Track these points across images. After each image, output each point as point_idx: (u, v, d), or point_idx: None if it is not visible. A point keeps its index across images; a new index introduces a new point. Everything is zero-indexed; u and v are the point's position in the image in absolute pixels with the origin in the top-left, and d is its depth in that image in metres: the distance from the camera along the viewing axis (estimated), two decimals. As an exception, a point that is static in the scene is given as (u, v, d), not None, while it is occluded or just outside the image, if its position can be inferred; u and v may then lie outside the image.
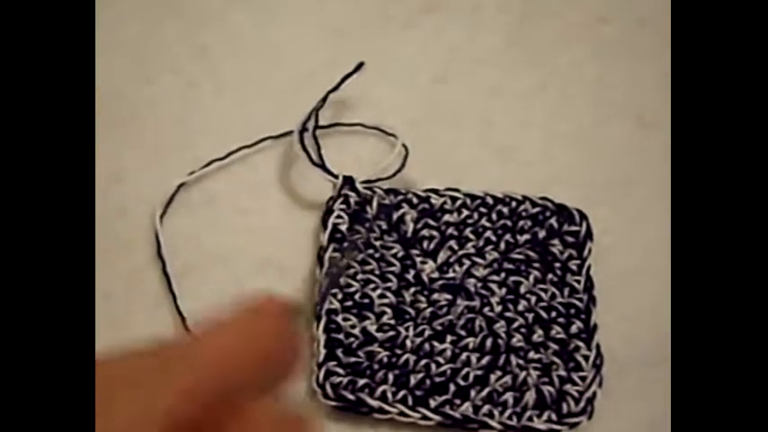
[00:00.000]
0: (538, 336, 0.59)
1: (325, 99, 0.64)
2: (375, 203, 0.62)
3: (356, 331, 0.59)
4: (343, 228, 0.61)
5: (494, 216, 0.63)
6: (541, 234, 0.62)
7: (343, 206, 0.62)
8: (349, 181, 0.63)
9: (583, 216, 0.63)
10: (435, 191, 0.64)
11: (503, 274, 0.61)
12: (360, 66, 0.65)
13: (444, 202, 0.63)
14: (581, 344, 0.59)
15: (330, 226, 0.61)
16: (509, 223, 0.63)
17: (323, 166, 0.63)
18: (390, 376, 0.58)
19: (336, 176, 0.63)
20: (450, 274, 0.61)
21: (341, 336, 0.58)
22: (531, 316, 0.60)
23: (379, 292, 0.60)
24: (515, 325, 0.59)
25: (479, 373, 0.58)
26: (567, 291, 0.61)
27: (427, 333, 0.59)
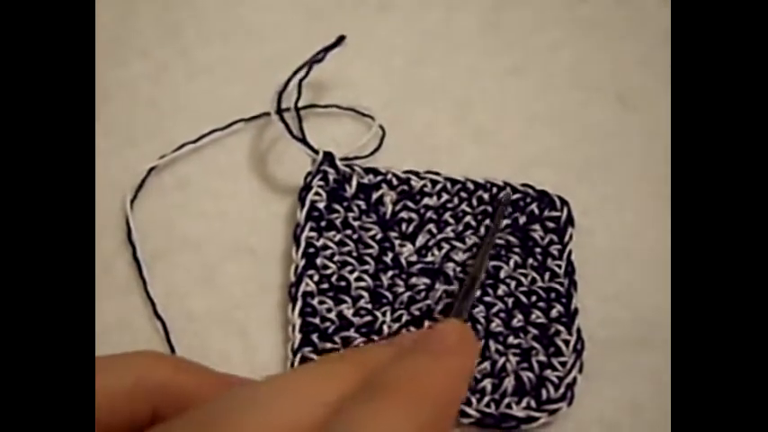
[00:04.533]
0: (517, 321, 0.58)
1: (309, 70, 0.62)
2: (354, 182, 0.61)
3: (332, 315, 0.57)
4: (321, 206, 0.60)
5: (474, 201, 0.62)
6: (522, 220, 0.61)
7: (321, 183, 0.60)
8: (329, 157, 0.61)
9: (564, 202, 0.62)
10: (415, 173, 0.62)
11: (482, 259, 0.60)
12: (341, 39, 0.63)
13: (424, 185, 0.62)
14: (561, 328, 0.58)
15: (308, 203, 0.60)
16: (489, 209, 0.62)
17: (304, 141, 0.62)
18: (367, 363, 0.56)
19: (317, 151, 0.61)
20: (429, 258, 0.60)
21: (316, 320, 0.57)
22: (510, 301, 0.58)
23: (356, 274, 0.58)
24: (494, 310, 0.58)
25: (458, 358, 0.56)
26: (547, 275, 0.60)
27: (405, 318, 0.57)
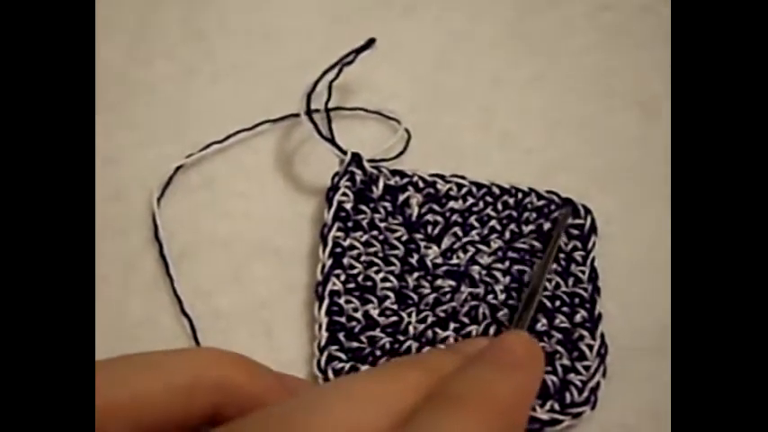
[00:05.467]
0: (541, 325, 0.58)
1: (339, 72, 0.63)
2: (381, 183, 0.61)
3: (358, 315, 0.58)
4: (348, 206, 0.60)
5: (499, 206, 0.62)
6: (546, 226, 0.62)
7: (348, 183, 0.61)
8: (357, 158, 0.61)
9: (587, 211, 0.63)
10: (441, 176, 0.63)
11: (507, 263, 0.60)
12: (371, 41, 0.63)
13: (450, 189, 0.62)
14: (585, 333, 0.58)
15: (335, 203, 0.60)
16: (514, 214, 0.62)
17: (332, 141, 0.62)
18: (392, 363, 0.56)
19: (345, 152, 0.61)
20: (454, 261, 0.60)
21: (343, 319, 0.57)
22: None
23: (382, 275, 0.59)
24: (519, 313, 0.58)
25: (483, 360, 0.57)
26: (571, 280, 0.60)
27: (430, 319, 0.58)
